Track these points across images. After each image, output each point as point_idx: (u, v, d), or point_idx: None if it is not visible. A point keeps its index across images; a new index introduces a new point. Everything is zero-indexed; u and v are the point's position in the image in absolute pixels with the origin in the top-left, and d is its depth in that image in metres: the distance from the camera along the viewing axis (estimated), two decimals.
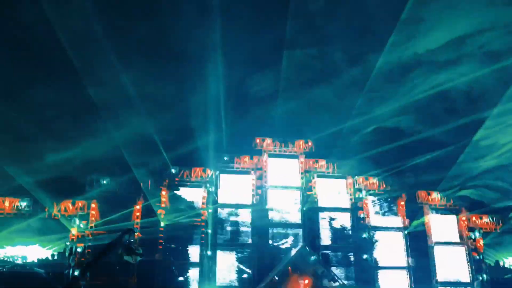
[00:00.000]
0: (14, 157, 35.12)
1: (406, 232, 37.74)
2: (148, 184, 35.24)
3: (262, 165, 38.56)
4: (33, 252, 33.93)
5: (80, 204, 34.40)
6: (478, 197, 39.16)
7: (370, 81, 38.96)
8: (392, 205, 38.84)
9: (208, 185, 36.88)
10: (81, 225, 33.84)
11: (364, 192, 38.10)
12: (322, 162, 39.21)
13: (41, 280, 32.28)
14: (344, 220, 38.06)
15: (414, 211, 38.31)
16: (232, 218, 37.03)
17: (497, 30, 36.37)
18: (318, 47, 40.22)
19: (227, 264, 35.71)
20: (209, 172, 37.26)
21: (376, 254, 37.24)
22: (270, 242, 36.58)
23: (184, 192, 36.96)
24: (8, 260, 33.09)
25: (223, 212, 36.98)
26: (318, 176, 38.96)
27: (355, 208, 37.96)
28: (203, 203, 36.36)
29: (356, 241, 37.05)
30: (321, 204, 38.08)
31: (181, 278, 34.49)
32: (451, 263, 38.16)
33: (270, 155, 39.03)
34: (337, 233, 37.62)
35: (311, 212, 37.44)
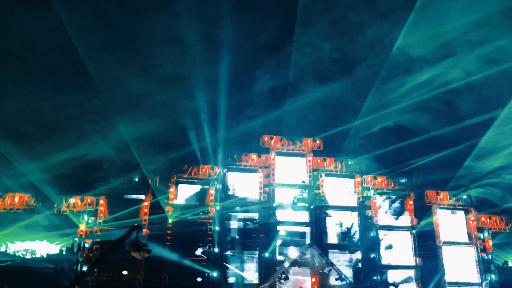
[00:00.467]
0: (24, 154, 35.41)
1: (414, 231, 37.51)
2: (156, 181, 35.34)
3: (270, 163, 38.53)
4: (41, 248, 34.21)
5: (88, 200, 34.66)
6: (487, 197, 38.84)
7: (380, 79, 38.83)
8: (400, 204, 38.63)
9: (216, 183, 36.94)
10: (90, 221, 34.08)
11: (372, 191, 37.95)
12: (330, 161, 39.07)
13: (49, 275, 32.56)
14: (351, 219, 37.93)
15: (423, 211, 38.08)
16: (240, 216, 37.03)
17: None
18: (329, 42, 40.15)
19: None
20: (217, 169, 37.30)
21: (384, 253, 37.02)
22: (278, 241, 36.51)
23: (192, 189, 37.06)
24: (17, 255, 33.40)
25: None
26: (326, 175, 38.85)
27: (363, 207, 37.81)
28: (210, 200, 36.41)
29: (363, 240, 36.89)
30: (328, 202, 38.00)
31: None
32: (460, 263, 37.89)
33: (278, 153, 39.00)
34: (345, 232, 37.49)
35: (318, 211, 37.35)
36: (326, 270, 35.77)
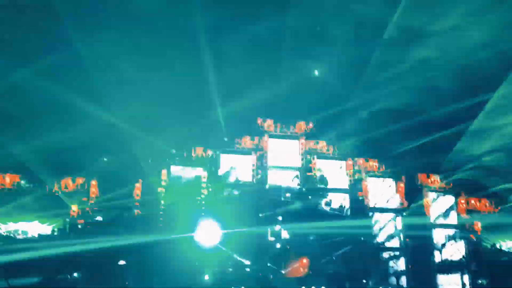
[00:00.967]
0: (15, 134, 35.03)
1: (404, 213, 37.95)
2: (148, 163, 35.24)
3: (263, 145, 38.56)
4: (33, 228, 34.13)
5: (80, 181, 34.51)
6: (477, 180, 39.30)
7: (372, 59, 38.66)
8: (391, 187, 38.98)
9: (208, 165, 36.93)
10: (82, 202, 34.01)
11: (363, 174, 38.23)
12: (323, 144, 39.22)
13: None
14: (343, 201, 38.24)
15: (413, 193, 38.48)
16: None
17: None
18: (318, 22, 39.78)
19: None
20: (210, 152, 37.26)
21: (375, 235, 37.43)
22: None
23: (185, 171, 37.02)
24: (9, 235, 33.31)
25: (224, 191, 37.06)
26: (318, 157, 39.04)
27: (354, 190, 38.11)
28: (203, 183, 36.44)
29: (355, 222, 37.19)
30: (320, 185, 38.21)
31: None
32: (449, 245, 38.52)
33: (271, 136, 39.00)
34: (336, 214, 37.74)
35: (311, 192, 37.57)
36: (316, 251, 36.19)
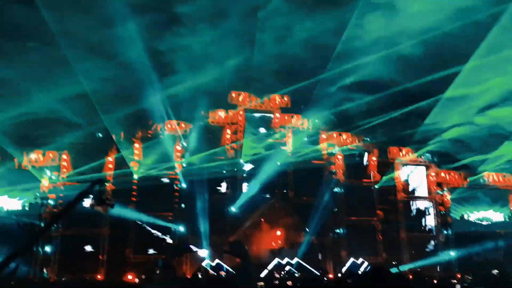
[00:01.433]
0: None
1: (376, 186, 38.54)
2: (121, 136, 34.83)
3: (237, 119, 38.39)
4: (3, 203, 33.63)
5: (51, 155, 33.94)
6: (447, 153, 40.05)
7: (347, 30, 38.51)
8: (363, 160, 39.46)
9: (182, 139, 36.69)
10: (53, 176, 33.56)
11: (336, 147, 38.50)
12: (297, 118, 39.23)
13: (13, 230, 32.16)
14: (316, 174, 38.57)
15: (385, 167, 39.00)
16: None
17: None
18: None
19: None
20: (183, 125, 36.97)
21: (347, 207, 37.95)
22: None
23: (158, 145, 36.72)
24: None
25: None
26: (293, 132, 39.12)
27: (328, 163, 38.45)
28: (177, 156, 36.27)
29: (327, 195, 37.69)
30: (294, 158, 38.42)
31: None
32: (419, 216, 39.43)
33: (246, 110, 38.82)
34: (309, 187, 38.12)
35: (285, 166, 37.77)
36: (290, 223, 36.77)
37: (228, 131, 38.28)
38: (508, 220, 41.42)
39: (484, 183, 40.59)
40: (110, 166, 34.49)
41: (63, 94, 33.23)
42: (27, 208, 33.99)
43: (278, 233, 36.59)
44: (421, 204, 39.84)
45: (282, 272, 32.99)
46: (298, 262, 34.19)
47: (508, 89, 36.43)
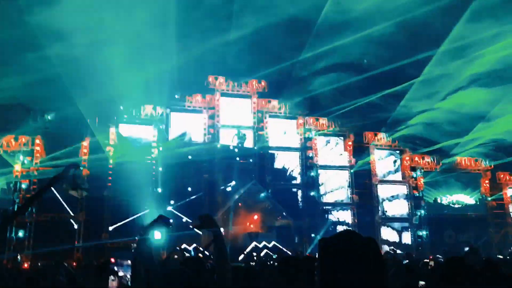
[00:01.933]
0: None
1: (352, 171, 39.15)
2: (96, 121, 34.35)
3: (215, 104, 38.29)
4: None
5: (23, 139, 33.26)
6: (421, 137, 40.76)
7: (324, 13, 38.52)
8: (340, 145, 39.99)
9: (158, 123, 36.43)
10: (25, 161, 32.94)
11: (313, 132, 38.87)
12: (275, 103, 39.37)
13: None
14: (293, 159, 38.97)
15: (361, 151, 39.65)
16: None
17: None
18: None
19: None
20: (160, 110, 36.67)
21: (323, 191, 38.58)
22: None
23: (134, 130, 36.42)
24: None
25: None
26: (270, 116, 39.31)
27: (304, 148, 38.82)
28: (153, 141, 36.05)
29: (304, 179, 38.16)
30: (272, 143, 38.69)
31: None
32: (393, 200, 40.30)
33: (223, 94, 38.73)
34: (286, 172, 38.52)
35: (262, 151, 37.99)
36: (268, 208, 37.09)
37: (205, 115, 38.19)
38: (479, 203, 42.57)
39: (456, 167, 41.67)
40: (85, 151, 34.02)
41: (33, 77, 32.36)
42: None
43: (256, 217, 36.87)
44: (395, 188, 40.70)
45: (260, 255, 33.29)
46: (275, 245, 34.54)
47: (481, 71, 37.09)
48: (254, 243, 34.81)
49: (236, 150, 37.04)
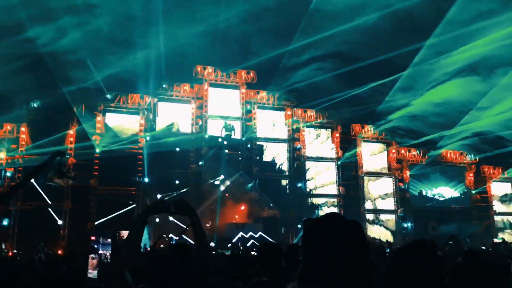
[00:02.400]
0: None
1: (339, 162, 39.38)
2: (82, 109, 33.99)
3: (203, 94, 38.10)
4: None
5: (8, 127, 32.85)
6: (408, 130, 41.12)
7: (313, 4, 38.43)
8: (327, 136, 40.15)
9: (145, 112, 36.17)
10: (11, 149, 32.54)
11: (301, 124, 38.95)
12: (263, 94, 39.32)
13: None
14: (281, 151, 39.05)
15: (348, 143, 39.88)
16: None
17: None
18: None
19: None
20: (147, 99, 36.39)
21: (310, 182, 38.78)
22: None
23: (121, 119, 36.12)
24: None
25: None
26: (259, 108, 39.26)
27: (292, 139, 38.91)
28: (140, 131, 35.83)
29: (291, 171, 38.29)
30: (260, 134, 38.69)
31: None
32: (379, 192, 40.68)
33: (211, 85, 38.52)
34: (274, 163, 38.61)
35: (249, 142, 37.99)
36: (255, 199, 37.19)
37: (193, 105, 38.00)
38: (463, 196, 43.18)
39: (442, 160, 42.17)
40: (71, 139, 33.71)
41: (18, 62, 31.82)
42: None
43: (242, 208, 36.94)
44: (381, 180, 41.07)
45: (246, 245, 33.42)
46: (261, 236, 34.68)
47: (467, 63, 37.37)
48: (240, 234, 34.93)
49: (225, 142, 36.91)
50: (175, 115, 37.53)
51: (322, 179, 39.28)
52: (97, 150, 34.08)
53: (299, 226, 36.95)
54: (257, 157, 38.30)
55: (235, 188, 37.40)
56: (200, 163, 36.78)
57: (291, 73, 39.97)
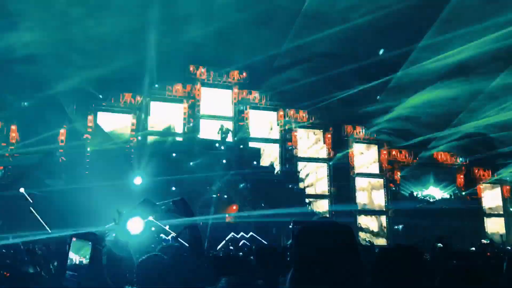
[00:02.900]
0: None
1: (331, 163, 39.49)
2: (73, 108, 33.76)
3: (195, 94, 38.03)
4: None
5: None
6: (399, 131, 41.21)
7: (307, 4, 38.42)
8: (319, 137, 40.24)
9: (137, 112, 36.02)
10: (0, 147, 32.23)
11: (294, 124, 39.04)
12: (256, 94, 39.37)
13: None
14: (273, 151, 39.06)
15: (340, 144, 40.01)
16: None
17: None
18: None
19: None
20: (139, 98, 36.25)
21: (302, 183, 38.78)
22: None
23: (112, 118, 35.94)
24: None
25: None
26: (251, 108, 39.30)
27: (284, 140, 38.98)
28: (132, 130, 35.67)
29: (283, 171, 38.31)
30: (252, 135, 38.71)
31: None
32: (370, 192, 40.84)
33: (204, 84, 38.51)
34: (266, 163, 38.58)
35: (242, 143, 37.95)
36: (246, 198, 37.11)
37: (185, 105, 37.91)
38: (453, 197, 43.45)
39: (433, 161, 42.40)
40: (62, 138, 33.47)
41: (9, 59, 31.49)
42: None
43: (234, 208, 36.89)
44: (372, 181, 41.23)
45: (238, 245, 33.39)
46: (252, 236, 34.66)
47: (458, 64, 37.49)
48: (232, 234, 34.86)
49: (222, 147, 36.85)
50: (167, 115, 37.43)
51: (314, 180, 39.33)
52: (88, 149, 33.85)
53: (290, 226, 36.96)
54: (249, 157, 38.22)
55: (227, 187, 37.33)
56: (191, 163, 36.65)
57: (284, 73, 39.88)
